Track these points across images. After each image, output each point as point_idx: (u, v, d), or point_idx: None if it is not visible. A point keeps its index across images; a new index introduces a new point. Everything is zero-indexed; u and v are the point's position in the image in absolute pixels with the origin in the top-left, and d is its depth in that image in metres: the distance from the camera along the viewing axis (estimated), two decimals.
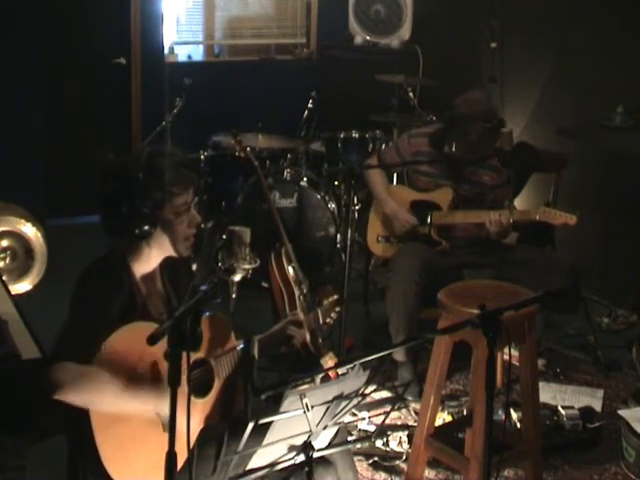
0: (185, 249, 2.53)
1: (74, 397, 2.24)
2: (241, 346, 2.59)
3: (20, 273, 4.91)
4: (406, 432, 3.61)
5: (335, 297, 3.41)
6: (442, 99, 4.17)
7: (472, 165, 4.15)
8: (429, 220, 4.18)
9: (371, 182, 4.40)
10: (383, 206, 4.32)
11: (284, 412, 2.15)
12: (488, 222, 3.97)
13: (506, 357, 3.75)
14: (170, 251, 2.52)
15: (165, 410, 2.22)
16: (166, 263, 2.58)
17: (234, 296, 4.51)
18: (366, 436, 3.45)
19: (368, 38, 6.24)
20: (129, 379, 2.32)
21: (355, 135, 5.42)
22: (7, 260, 4.88)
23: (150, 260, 2.52)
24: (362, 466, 3.47)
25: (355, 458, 3.22)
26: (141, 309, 2.46)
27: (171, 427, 1.99)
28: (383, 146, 5.20)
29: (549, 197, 4.68)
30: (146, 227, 2.43)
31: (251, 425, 2.10)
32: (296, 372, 3.38)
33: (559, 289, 3.90)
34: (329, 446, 2.43)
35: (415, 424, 3.52)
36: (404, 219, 4.21)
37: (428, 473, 3.41)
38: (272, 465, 2.29)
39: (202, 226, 4.80)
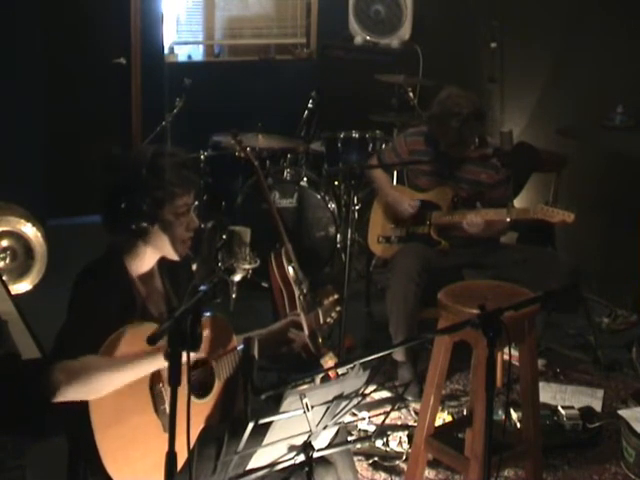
0: (181, 252, 2.53)
1: (73, 394, 2.22)
2: (241, 346, 2.59)
3: (20, 273, 4.91)
4: (406, 432, 3.60)
5: (335, 297, 3.40)
6: None
7: (470, 163, 4.15)
8: (428, 220, 4.19)
9: (373, 177, 4.41)
10: (386, 196, 4.32)
11: (284, 412, 2.15)
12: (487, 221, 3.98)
13: (506, 357, 3.75)
14: (165, 251, 2.52)
15: (162, 364, 2.20)
16: (165, 263, 2.58)
17: (234, 296, 4.52)
18: (366, 436, 3.45)
19: (368, 38, 6.24)
20: None
21: (355, 135, 5.42)
22: (7, 260, 4.88)
23: (145, 259, 2.51)
24: (362, 466, 3.47)
25: (355, 458, 3.22)
26: (141, 309, 2.46)
27: (171, 427, 1.99)
28: (383, 146, 5.20)
29: (549, 197, 4.68)
30: (144, 224, 2.43)
31: (251, 425, 2.10)
32: (296, 372, 3.38)
33: (559, 289, 3.89)
34: (329, 446, 2.43)
35: (415, 424, 3.52)
36: (408, 203, 4.21)
37: (428, 473, 3.41)
38: (272, 465, 2.29)
39: (202, 226, 4.80)
